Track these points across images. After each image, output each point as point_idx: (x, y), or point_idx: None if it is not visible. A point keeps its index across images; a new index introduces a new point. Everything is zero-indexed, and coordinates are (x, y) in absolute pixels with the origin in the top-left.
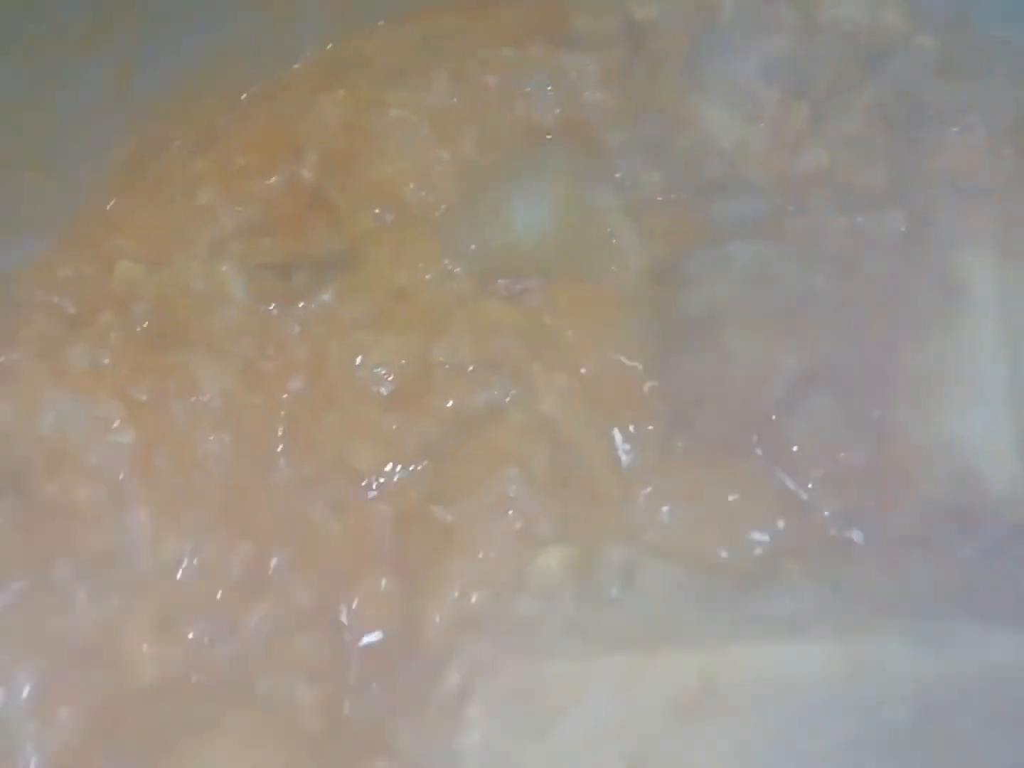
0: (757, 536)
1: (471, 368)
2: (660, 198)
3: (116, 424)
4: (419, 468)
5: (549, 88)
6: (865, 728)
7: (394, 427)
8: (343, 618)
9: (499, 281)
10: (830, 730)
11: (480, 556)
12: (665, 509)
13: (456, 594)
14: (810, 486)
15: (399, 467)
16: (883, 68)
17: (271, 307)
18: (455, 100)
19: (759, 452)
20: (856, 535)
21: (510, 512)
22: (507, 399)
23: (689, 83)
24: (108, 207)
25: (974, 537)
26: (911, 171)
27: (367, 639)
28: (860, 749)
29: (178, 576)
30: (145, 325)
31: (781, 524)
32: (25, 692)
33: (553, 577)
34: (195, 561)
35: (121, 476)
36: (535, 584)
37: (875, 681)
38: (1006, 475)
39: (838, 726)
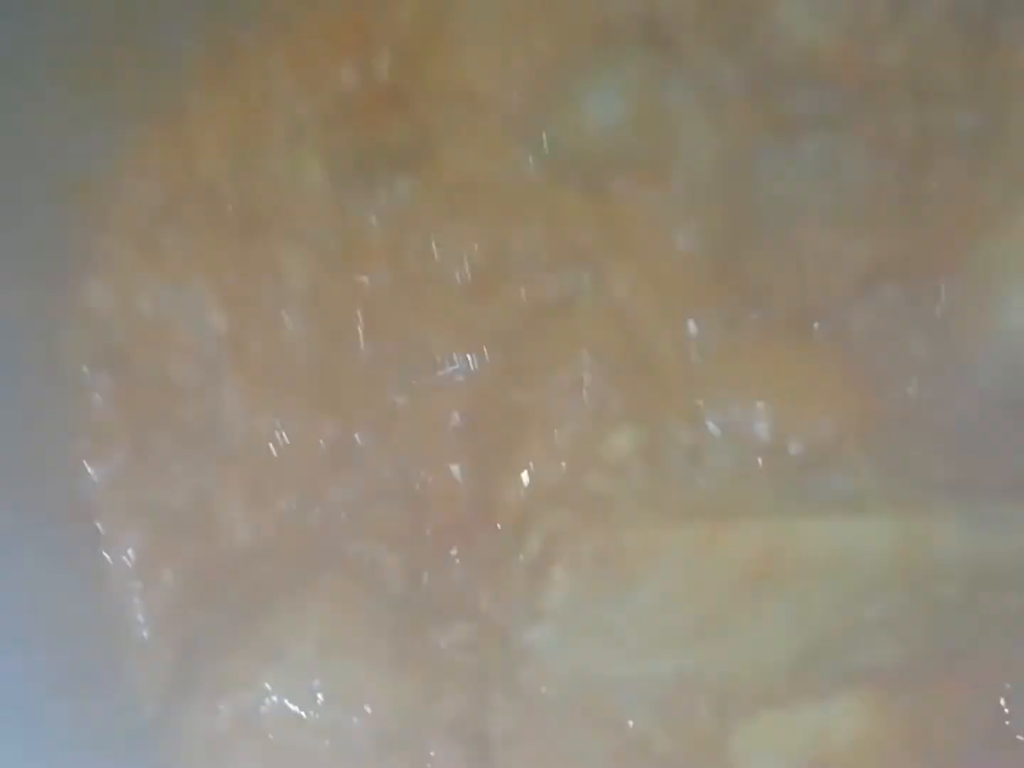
0: (820, 420)
1: (544, 257)
2: (733, 92)
3: (209, 307)
4: (493, 353)
5: None
6: (915, 602)
7: (469, 313)
8: (421, 490)
9: (571, 173)
10: (882, 602)
11: (553, 434)
12: (731, 392)
13: (530, 469)
14: (873, 374)
15: (474, 352)
16: None
17: (350, 196)
18: None
19: (824, 340)
20: (916, 422)
21: (583, 393)
22: (580, 287)
23: None
24: (187, 97)
25: None
26: (987, 68)
27: (445, 510)
28: (909, 622)
29: (268, 449)
30: (230, 211)
31: (843, 409)
32: (130, 555)
33: (623, 454)
34: (284, 435)
35: (215, 355)
36: (606, 461)
37: (928, 557)
38: None
39: (890, 599)
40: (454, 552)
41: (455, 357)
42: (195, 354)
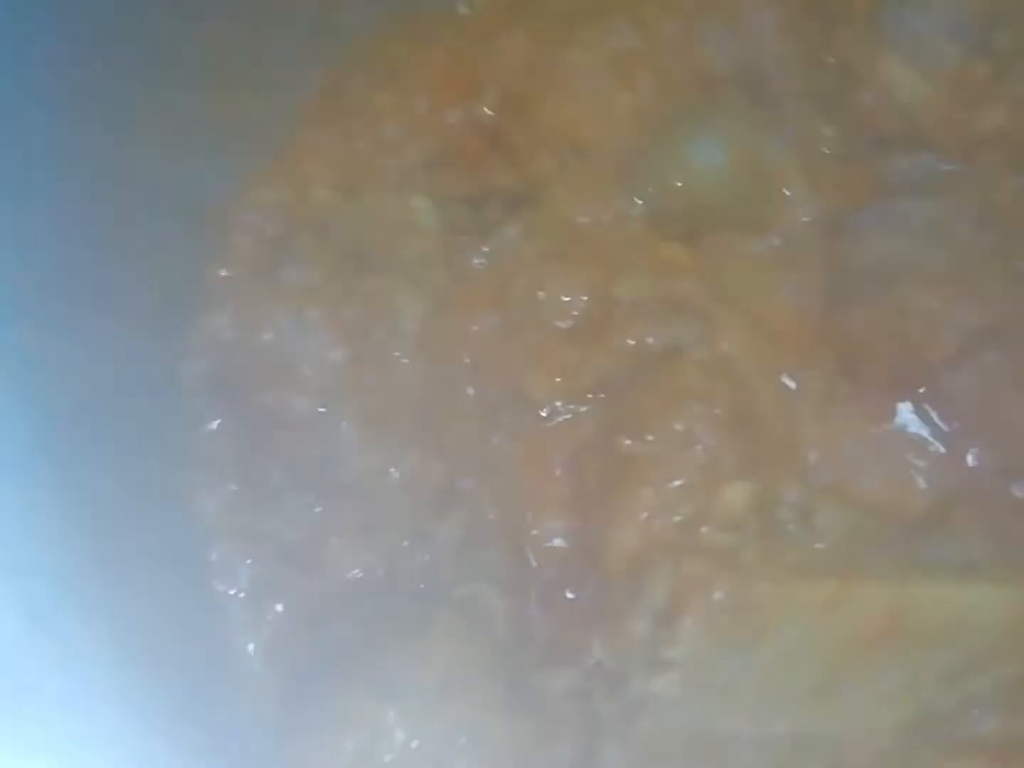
0: (923, 484)
1: (651, 306)
2: (833, 151)
3: (329, 342)
4: (597, 401)
5: (728, 35)
6: None
7: (574, 359)
8: (528, 535)
9: (675, 223)
10: (996, 670)
11: (665, 485)
12: (835, 452)
13: (642, 519)
14: (974, 440)
15: (577, 399)
16: None
17: (461, 238)
18: (635, 43)
19: (926, 404)
20: (1018, 490)
21: (697, 446)
22: (687, 338)
23: (869, 36)
24: (300, 136)
25: None
26: None
27: (551, 556)
28: (1021, 691)
29: (378, 486)
30: (344, 249)
31: (947, 474)
32: (242, 585)
33: (738, 511)
34: (394, 474)
35: (332, 391)
36: (720, 516)
37: None
38: None
39: (1003, 667)
40: (562, 598)
41: (560, 403)
42: (314, 387)
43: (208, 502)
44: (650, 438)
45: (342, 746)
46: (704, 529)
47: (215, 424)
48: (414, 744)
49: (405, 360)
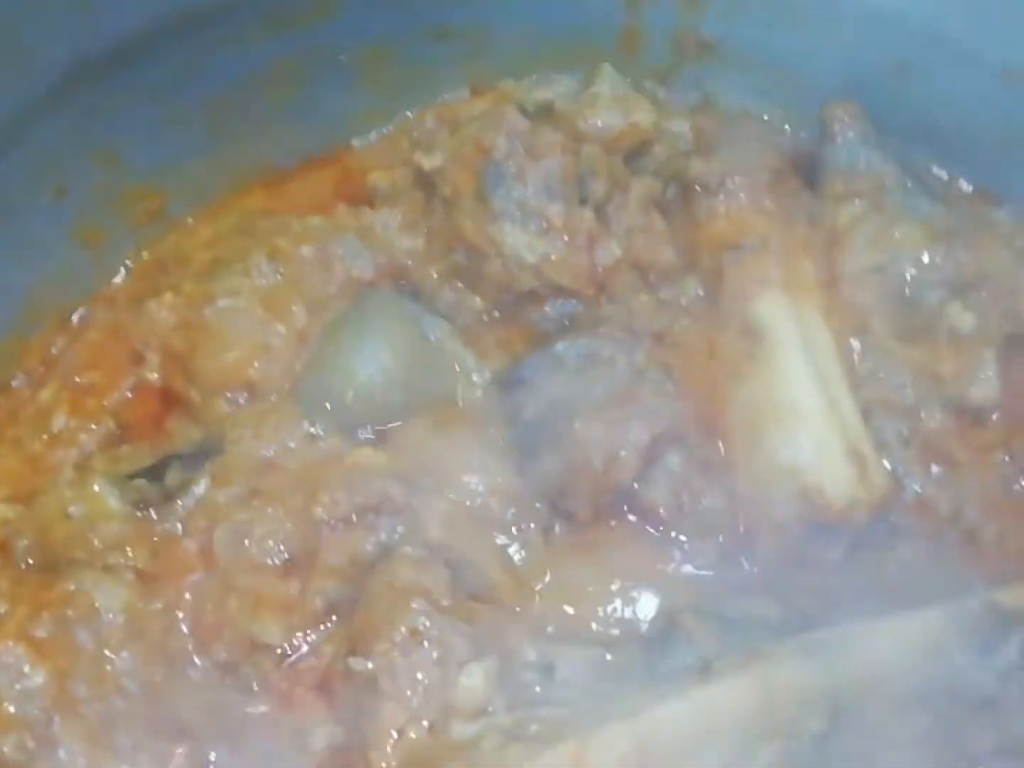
0: (650, 597)
1: (354, 517)
2: (485, 318)
3: (26, 668)
4: (332, 625)
5: (361, 245)
6: (789, 743)
7: (296, 593)
8: None
9: (360, 430)
10: (762, 754)
11: (407, 694)
12: (562, 596)
13: (395, 736)
14: (684, 537)
15: (310, 630)
16: (646, 160)
17: (150, 511)
18: (278, 276)
19: (632, 520)
20: (736, 569)
21: (425, 643)
22: (396, 537)
23: (482, 214)
24: None
25: (837, 544)
26: (694, 242)
27: None
28: (793, 762)
29: None
30: (30, 561)
31: (668, 579)
32: None
33: (479, 694)
34: None
35: (43, 718)
36: (465, 705)
37: (783, 700)
38: (844, 482)
39: (767, 748)
40: None
41: (299, 637)
42: (23, 721)
43: None
44: (382, 648)
45: None
46: (455, 726)
47: None
48: None
49: (119, 654)
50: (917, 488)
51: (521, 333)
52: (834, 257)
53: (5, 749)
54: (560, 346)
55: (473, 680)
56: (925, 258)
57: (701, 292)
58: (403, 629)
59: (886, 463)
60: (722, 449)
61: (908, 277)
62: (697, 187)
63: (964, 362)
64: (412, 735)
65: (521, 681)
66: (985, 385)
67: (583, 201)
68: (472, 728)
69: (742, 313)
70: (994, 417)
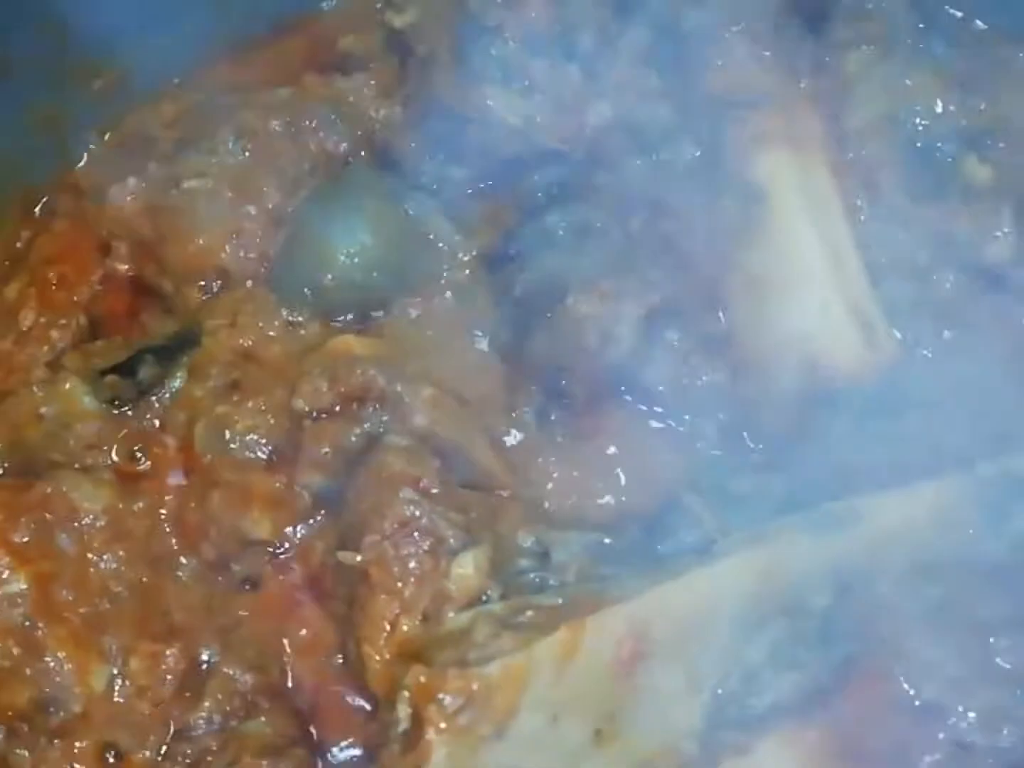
0: (650, 479)
1: (337, 408)
2: (470, 191)
3: (5, 574)
4: (319, 519)
5: (334, 116)
6: (794, 622)
7: (283, 487)
8: (289, 684)
9: (342, 316)
10: (765, 634)
11: (398, 585)
12: (558, 482)
13: (388, 628)
14: (686, 416)
15: (299, 525)
16: (638, 10)
17: (125, 409)
18: (247, 154)
19: (630, 401)
20: (739, 446)
21: (415, 533)
22: (381, 426)
23: (462, 75)
24: None
25: (844, 414)
26: (691, 99)
27: (320, 706)
28: (797, 641)
29: (115, 702)
30: (6, 466)
31: (668, 459)
32: None
33: (473, 582)
34: (127, 680)
35: (27, 623)
36: (459, 594)
37: (788, 578)
38: (850, 345)
39: (771, 628)
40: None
41: (289, 531)
42: (7, 629)
43: None
44: (372, 540)
45: None
46: (449, 614)
47: None
48: None
49: (103, 556)
50: (928, 353)
51: (509, 206)
52: (841, 109)
53: None
54: (550, 217)
55: (465, 569)
56: (938, 107)
57: (699, 154)
58: (392, 519)
59: (897, 333)
60: (723, 321)
61: (920, 128)
62: (692, 38)
63: (979, 220)
64: (405, 627)
65: (516, 568)
66: (1001, 244)
67: (569, 56)
68: (465, 617)
69: (743, 174)
70: (1010, 278)
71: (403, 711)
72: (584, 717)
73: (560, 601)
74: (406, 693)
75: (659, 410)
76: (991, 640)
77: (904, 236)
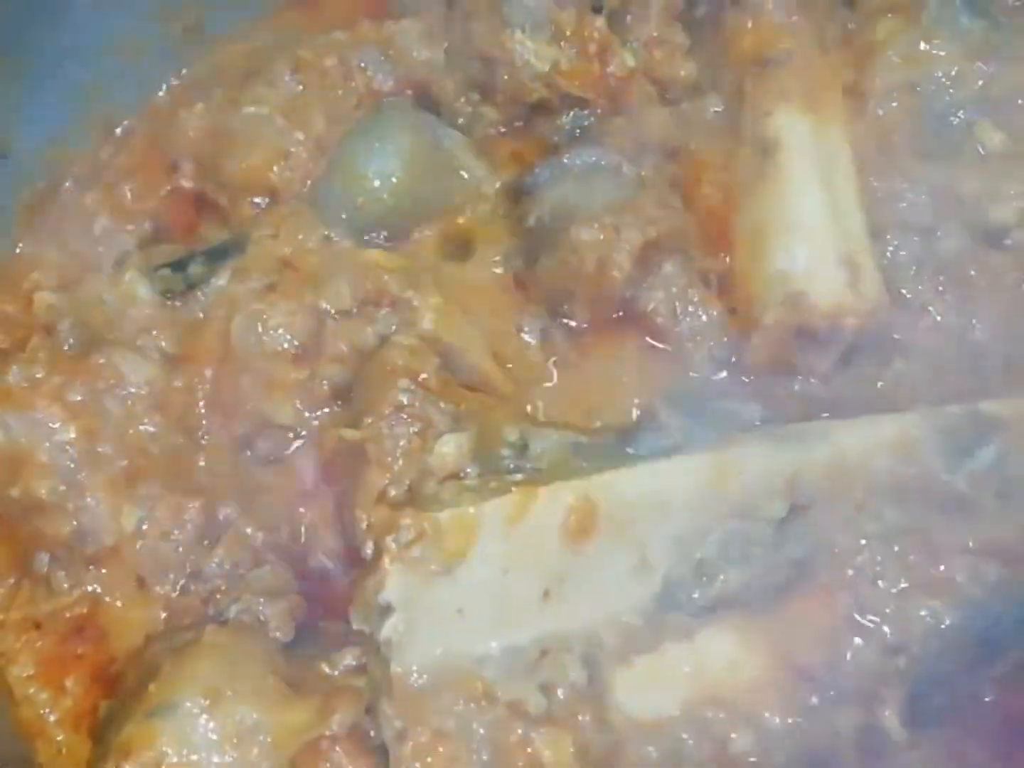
0: (635, 397)
1: (355, 310)
2: (500, 130)
3: (57, 425)
4: (336, 408)
5: (382, 57)
6: (748, 525)
7: (305, 378)
8: (294, 546)
9: (373, 234)
10: (717, 531)
11: (387, 459)
12: (551, 392)
13: (377, 495)
14: (676, 341)
15: (318, 412)
16: None
17: (176, 301)
18: (300, 87)
19: (629, 329)
20: (723, 375)
21: (407, 417)
22: (392, 328)
23: (495, 23)
24: (17, 251)
25: (826, 354)
26: (720, 59)
27: (318, 561)
28: (749, 543)
29: (141, 542)
30: (71, 341)
31: (654, 379)
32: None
33: (451, 461)
34: (153, 524)
35: (73, 469)
36: (438, 470)
37: (744, 481)
38: (832, 288)
39: (724, 527)
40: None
41: (307, 417)
42: (55, 469)
43: None
44: (371, 421)
45: None
46: (431, 484)
47: None
48: (195, 757)
49: (142, 421)
50: (927, 307)
51: (533, 145)
52: (865, 73)
53: (42, 492)
54: (567, 156)
55: (447, 448)
56: (959, 75)
57: (721, 109)
58: (389, 405)
59: (905, 291)
60: (724, 261)
61: (939, 95)
62: (729, 2)
63: (988, 182)
64: (392, 493)
65: (496, 455)
66: (1007, 205)
67: (597, 9)
68: (444, 487)
69: (760, 127)
70: (1012, 240)
71: (368, 545)
72: (534, 576)
73: (522, 477)
74: (366, 524)
75: (653, 336)
76: (942, 567)
77: (913, 194)
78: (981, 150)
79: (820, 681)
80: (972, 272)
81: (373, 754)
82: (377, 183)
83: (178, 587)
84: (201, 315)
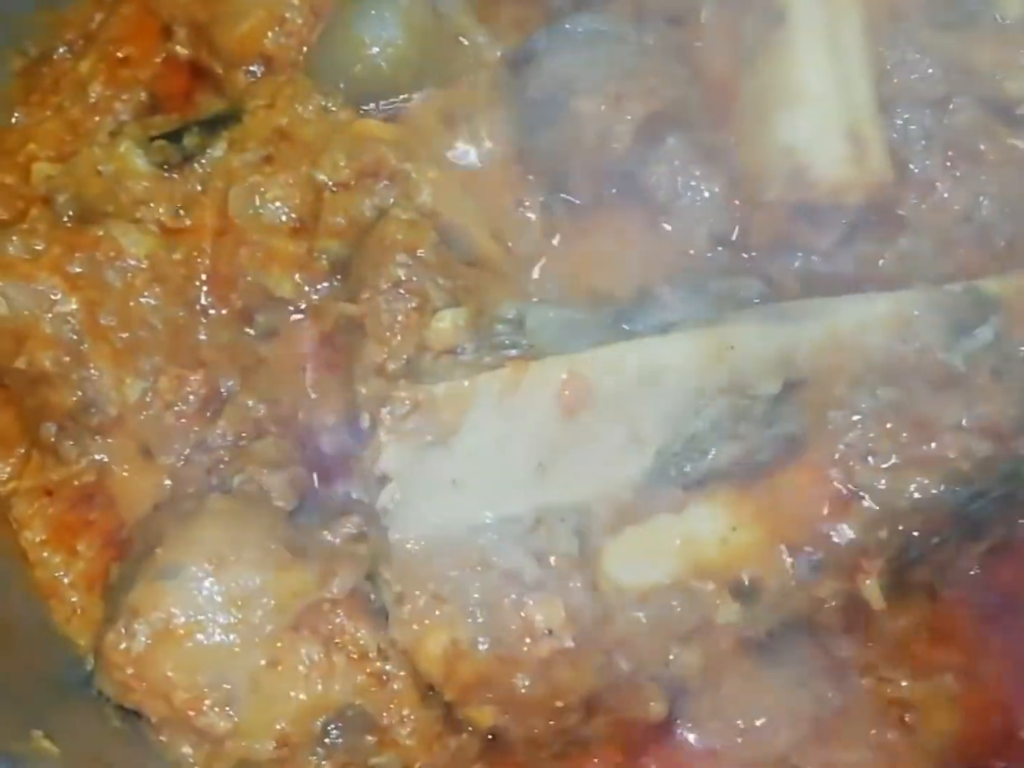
0: (635, 274)
1: (353, 182)
2: None
3: (58, 296)
4: (335, 283)
5: None
6: (738, 401)
7: (303, 251)
8: (295, 418)
9: (371, 104)
10: (710, 408)
11: (386, 333)
12: (550, 268)
13: (375, 368)
14: (677, 217)
15: (318, 286)
16: None
17: (173, 172)
18: None
19: (631, 206)
20: (723, 252)
21: (404, 292)
22: (391, 201)
23: None
24: (13, 120)
25: (829, 229)
26: None
27: (318, 433)
28: (741, 418)
29: (146, 412)
30: (70, 213)
31: (654, 255)
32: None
33: (448, 336)
34: (156, 396)
35: (75, 340)
36: (436, 343)
37: (738, 357)
38: (836, 160)
39: (717, 403)
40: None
41: (307, 290)
42: (58, 340)
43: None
44: (368, 295)
45: (136, 638)
46: (428, 359)
47: None
48: (200, 617)
49: (142, 293)
50: (935, 183)
51: (536, 11)
52: None
53: (46, 363)
54: (569, 22)
55: (443, 323)
56: None
57: None
58: (387, 279)
59: (912, 166)
60: (727, 134)
61: None
62: None
63: (1004, 53)
64: (391, 367)
65: (492, 331)
66: (1023, 78)
67: None
68: (440, 361)
69: None
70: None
71: (365, 419)
72: (528, 449)
73: (517, 352)
74: (363, 397)
75: (654, 211)
76: (933, 444)
77: (925, 66)
78: (999, 18)
79: (807, 554)
80: (982, 147)
81: (373, 616)
82: (375, 50)
83: (183, 457)
84: (199, 187)
